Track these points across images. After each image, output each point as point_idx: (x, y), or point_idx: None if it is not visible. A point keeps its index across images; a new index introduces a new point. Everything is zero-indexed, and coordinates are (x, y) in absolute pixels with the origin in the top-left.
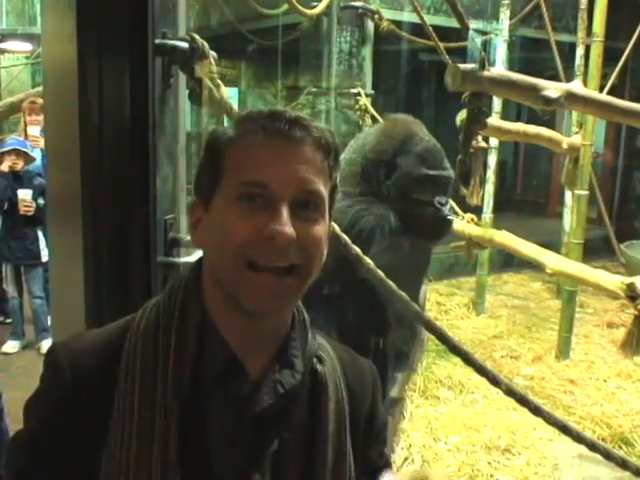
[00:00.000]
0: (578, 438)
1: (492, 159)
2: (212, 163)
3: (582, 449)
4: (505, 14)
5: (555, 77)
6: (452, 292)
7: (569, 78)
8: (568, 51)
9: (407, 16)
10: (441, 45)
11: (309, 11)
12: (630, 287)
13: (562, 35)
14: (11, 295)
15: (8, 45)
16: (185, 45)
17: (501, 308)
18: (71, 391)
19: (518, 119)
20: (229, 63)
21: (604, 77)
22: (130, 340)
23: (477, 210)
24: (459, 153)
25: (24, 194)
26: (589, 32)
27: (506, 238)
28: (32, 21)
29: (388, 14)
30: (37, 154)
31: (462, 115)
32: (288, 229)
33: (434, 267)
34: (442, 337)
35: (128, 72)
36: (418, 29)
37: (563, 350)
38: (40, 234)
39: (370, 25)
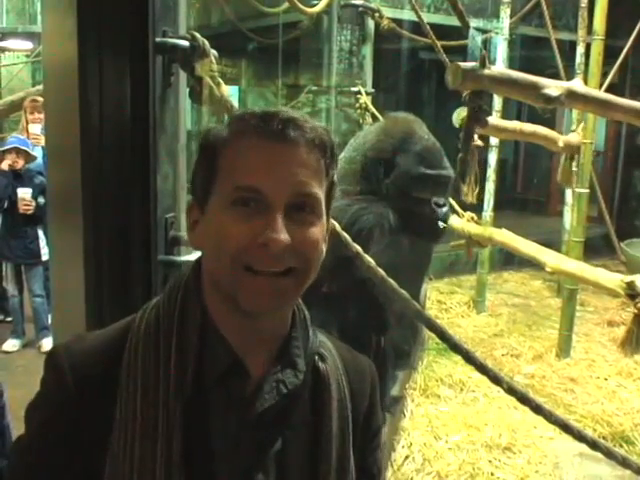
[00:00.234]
0: (579, 436)
1: (492, 157)
2: (206, 165)
3: (583, 447)
4: (505, 12)
5: (556, 75)
6: (453, 290)
7: (570, 76)
8: (569, 49)
9: (407, 14)
10: (440, 44)
11: (309, 9)
12: (630, 285)
13: (563, 33)
14: (11, 293)
15: (8, 43)
16: (186, 43)
17: (502, 306)
18: (73, 394)
19: (518, 118)
20: (230, 61)
21: (604, 75)
22: (131, 341)
23: (477, 208)
24: (459, 152)
25: (24, 193)
26: (590, 30)
27: (505, 236)
28: (32, 19)
29: (388, 12)
30: (38, 152)
31: (459, 114)
32: (283, 236)
33: (435, 265)
34: (443, 335)
35: (129, 70)
36: (418, 27)
37: (564, 348)
38: (40, 233)
39: (370, 23)
